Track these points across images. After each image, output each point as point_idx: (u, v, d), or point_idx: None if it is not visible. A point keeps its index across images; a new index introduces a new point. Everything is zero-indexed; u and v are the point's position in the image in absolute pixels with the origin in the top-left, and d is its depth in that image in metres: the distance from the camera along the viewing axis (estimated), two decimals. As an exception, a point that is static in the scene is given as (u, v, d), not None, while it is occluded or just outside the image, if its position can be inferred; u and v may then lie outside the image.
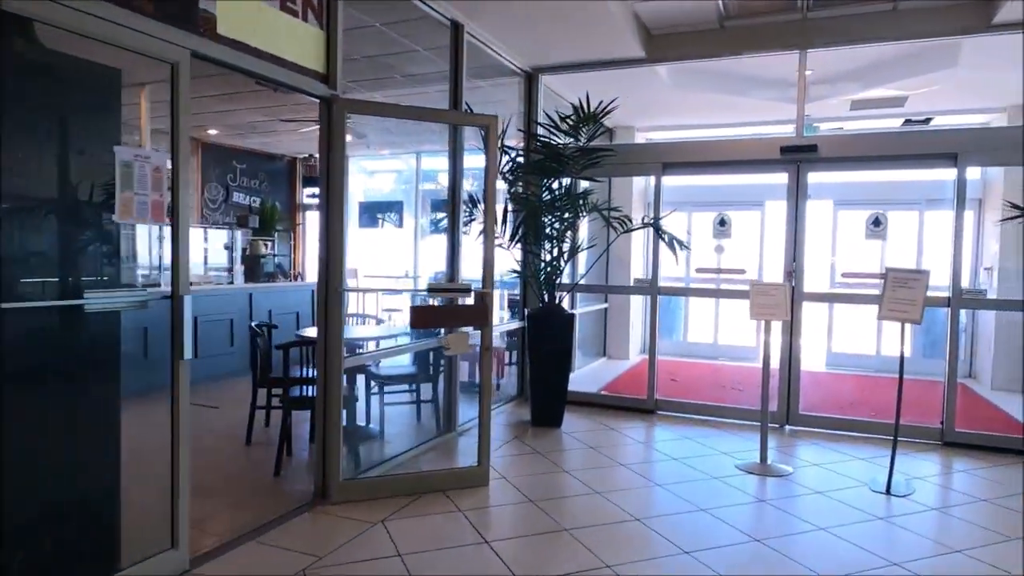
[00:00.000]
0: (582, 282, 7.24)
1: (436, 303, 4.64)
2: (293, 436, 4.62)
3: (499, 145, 5.31)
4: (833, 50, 5.71)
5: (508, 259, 5.76)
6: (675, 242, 5.12)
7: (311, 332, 4.46)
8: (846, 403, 6.59)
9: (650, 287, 6.03)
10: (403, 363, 5.62)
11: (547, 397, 5.50)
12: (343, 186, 3.71)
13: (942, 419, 5.24)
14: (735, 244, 8.66)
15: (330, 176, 3.72)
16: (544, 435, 5.30)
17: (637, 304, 9.17)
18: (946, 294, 5.21)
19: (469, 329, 3.97)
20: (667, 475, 4.41)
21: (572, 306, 7.90)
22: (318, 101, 3.73)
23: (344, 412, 3.83)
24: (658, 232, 5.14)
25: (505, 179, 5.50)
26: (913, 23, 5.21)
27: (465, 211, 5.00)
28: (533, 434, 5.33)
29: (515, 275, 5.63)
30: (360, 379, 5.12)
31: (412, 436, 5.19)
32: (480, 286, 4.00)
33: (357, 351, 4.71)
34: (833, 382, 7.82)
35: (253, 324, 4.89)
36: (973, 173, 5.13)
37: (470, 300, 3.92)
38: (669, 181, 6.67)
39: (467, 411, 5.32)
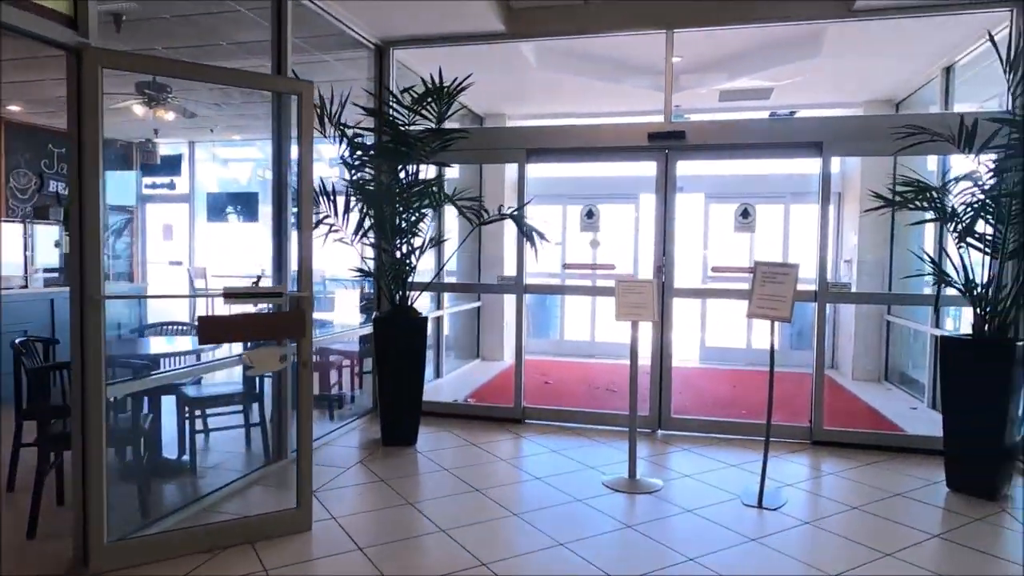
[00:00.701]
0: (441, 280, 6.63)
1: (252, 310, 3.86)
2: (67, 481, 3.68)
3: (334, 122, 4.58)
4: (701, 32, 5.42)
5: (356, 256, 5.03)
6: (535, 234, 4.60)
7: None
8: (719, 402, 6.40)
9: (515, 285, 5.51)
10: (230, 380, 4.77)
11: (398, 412, 4.83)
12: (99, 162, 2.86)
13: (811, 418, 5.07)
14: (611, 239, 8.37)
15: (82, 150, 2.85)
16: (394, 457, 4.64)
17: (512, 302, 8.69)
18: (813, 288, 5.05)
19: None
20: (527, 500, 3.88)
21: (439, 306, 7.27)
22: (65, 53, 2.86)
23: (139, 446, 2.98)
24: (517, 223, 4.61)
25: (348, 165, 4.77)
26: (777, 6, 4.99)
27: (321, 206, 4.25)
28: (383, 456, 4.66)
29: (360, 275, 4.91)
30: (171, 402, 4.24)
31: (233, 468, 4.36)
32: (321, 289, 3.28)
33: (152, 372, 3.83)
34: (706, 379, 7.69)
35: (17, 340, 3.88)
36: (836, 165, 5.02)
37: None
38: (538, 171, 6.20)
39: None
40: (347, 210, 4.72)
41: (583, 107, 7.98)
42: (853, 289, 6.75)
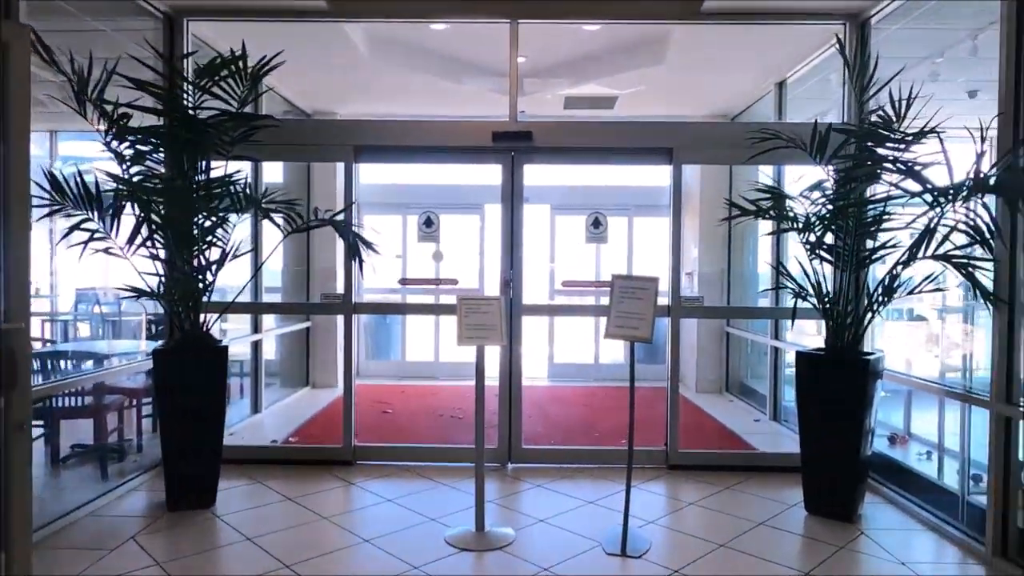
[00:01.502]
0: (258, 299, 5.67)
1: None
2: None
3: (92, 98, 3.56)
4: (546, 33, 5.03)
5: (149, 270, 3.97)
6: (361, 244, 3.85)
7: None
8: (572, 426, 5.99)
9: (342, 304, 4.71)
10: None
11: (191, 465, 3.84)
12: None
13: (666, 440, 4.77)
14: (455, 252, 7.78)
15: None
16: (182, 526, 3.65)
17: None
18: (666, 302, 4.76)
19: None
20: None
21: (257, 329, 6.24)
22: None
23: None
24: (339, 231, 3.84)
25: (118, 156, 3.73)
26: (625, 5, 4.67)
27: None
28: (167, 525, 3.65)
29: (135, 295, 3.86)
30: None
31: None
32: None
33: None
34: (557, 399, 7.31)
35: None
36: (685, 173, 4.81)
37: None
38: (375, 175, 5.44)
39: (63, 500, 3.48)
40: (116, 213, 3.69)
41: (424, 109, 7.34)
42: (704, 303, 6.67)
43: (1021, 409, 3.17)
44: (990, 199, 3.28)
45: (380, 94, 7.02)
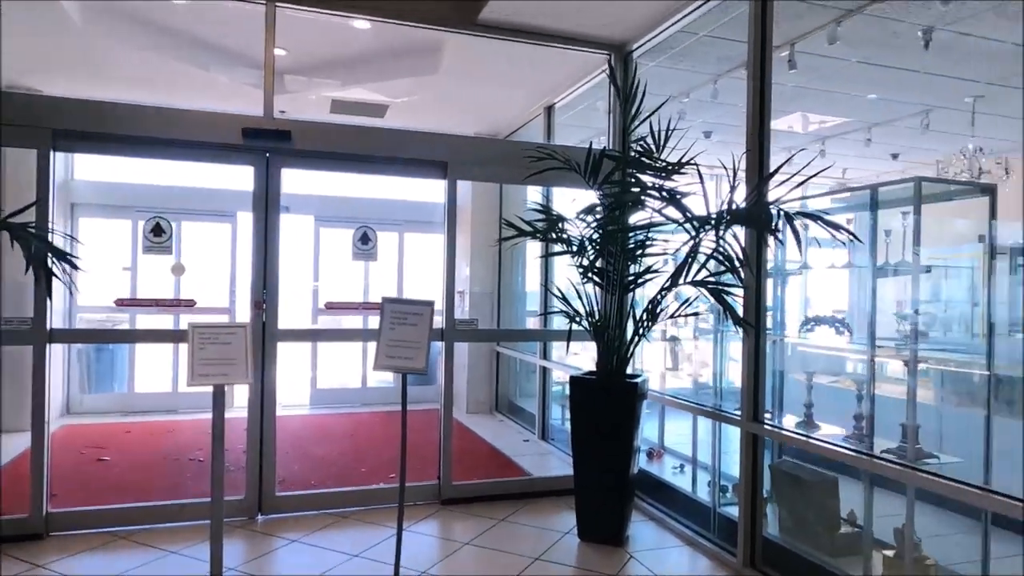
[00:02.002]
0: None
1: None
2: None
3: None
4: (310, 27, 4.50)
5: None
6: (51, 256, 2.93)
7: None
8: (336, 461, 5.40)
9: (32, 331, 3.66)
10: None
11: None
12: None
13: (439, 473, 4.46)
14: (202, 267, 6.73)
15: None
16: None
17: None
18: (439, 324, 4.48)
19: None
20: None
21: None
22: None
23: None
24: (17, 237, 2.88)
25: None
26: (397, 4, 4.34)
27: None
28: None
29: None
30: None
31: None
32: None
33: None
34: (318, 430, 6.64)
35: None
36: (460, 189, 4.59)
37: None
38: (93, 169, 4.39)
39: None
40: None
41: (160, 97, 6.26)
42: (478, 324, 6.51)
43: (766, 427, 3.40)
44: (740, 229, 3.51)
45: (107, 75, 5.83)
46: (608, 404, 3.79)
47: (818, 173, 3.29)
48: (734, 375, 3.85)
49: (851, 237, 3.05)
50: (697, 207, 3.58)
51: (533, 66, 5.24)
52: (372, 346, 3.21)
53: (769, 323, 3.65)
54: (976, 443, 3.25)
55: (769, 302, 3.71)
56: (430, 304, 3.14)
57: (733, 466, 3.84)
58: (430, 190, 5.45)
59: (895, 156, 7.88)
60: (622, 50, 4.76)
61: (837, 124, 6.71)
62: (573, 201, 4.13)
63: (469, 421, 7.09)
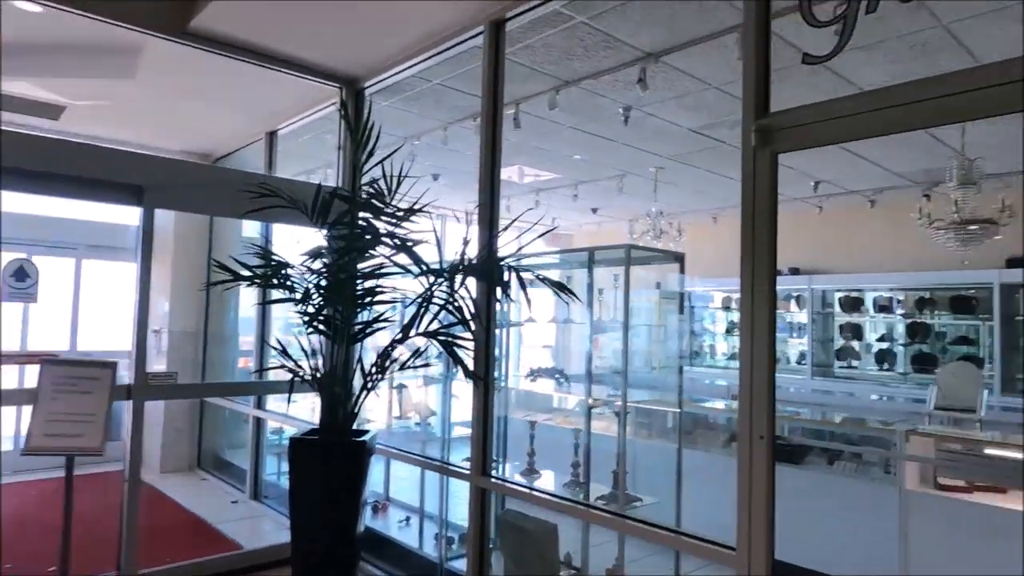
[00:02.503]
0: None
1: None
2: None
3: None
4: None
5: None
6: None
7: None
8: None
9: None
10: None
11: None
12: None
13: (118, 561, 3.65)
14: None
15: None
16: None
17: None
18: (127, 380, 3.71)
19: None
20: None
21: None
22: None
23: None
24: None
25: None
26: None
27: None
28: None
29: None
30: None
31: None
32: None
33: None
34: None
35: None
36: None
37: None
38: None
39: None
40: None
41: None
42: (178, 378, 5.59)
43: (494, 480, 3.42)
44: (472, 281, 3.51)
45: None
46: (334, 466, 3.47)
47: (545, 233, 3.45)
48: (461, 414, 3.84)
49: (572, 296, 3.24)
50: (430, 254, 3.51)
51: (255, 87, 4.76)
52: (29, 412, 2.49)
53: (497, 371, 3.72)
54: (668, 477, 3.67)
55: (497, 351, 3.79)
56: (111, 366, 2.54)
57: (461, 512, 3.80)
58: (120, 209, 4.59)
59: (595, 210, 8.91)
60: (355, 85, 4.57)
61: (550, 179, 7.34)
62: (298, 243, 3.77)
63: (165, 483, 6.09)
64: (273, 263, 3.44)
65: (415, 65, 4.15)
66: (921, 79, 2.10)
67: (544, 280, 3.16)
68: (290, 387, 3.61)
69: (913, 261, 7.35)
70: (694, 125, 5.32)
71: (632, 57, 4.06)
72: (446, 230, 9.31)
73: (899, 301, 7.72)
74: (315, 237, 3.70)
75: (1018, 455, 3.62)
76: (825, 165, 6.34)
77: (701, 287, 9.13)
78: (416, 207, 3.60)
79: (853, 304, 8.06)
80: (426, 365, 3.94)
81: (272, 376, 4.40)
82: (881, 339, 7.88)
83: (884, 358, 7.75)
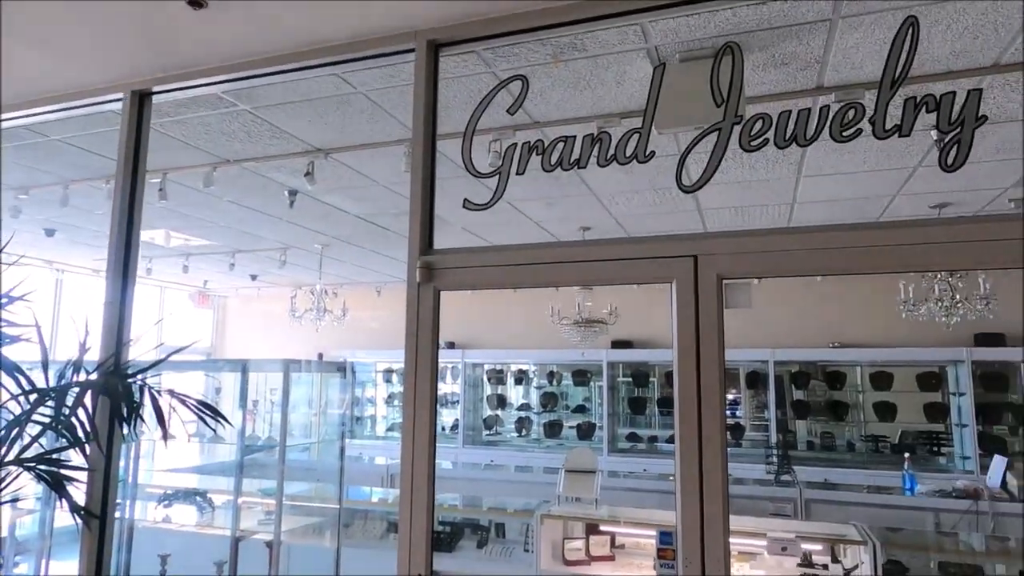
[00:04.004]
0: None
1: None
2: None
3: None
4: None
5: None
6: None
7: None
8: None
9: None
10: None
11: None
12: None
13: None
14: None
15: None
16: None
17: None
18: None
19: None
20: None
21: None
22: None
23: None
24: None
25: None
26: None
27: None
28: None
29: None
30: None
31: None
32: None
33: None
34: None
35: None
36: None
37: None
38: None
39: None
40: None
41: None
42: None
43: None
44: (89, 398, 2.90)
45: None
46: None
47: (182, 349, 3.04)
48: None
49: (222, 420, 2.89)
50: (30, 351, 2.82)
51: None
52: None
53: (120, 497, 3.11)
54: None
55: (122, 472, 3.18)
56: None
57: None
58: None
59: (254, 277, 8.34)
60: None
61: (203, 244, 6.65)
62: None
63: None
64: None
65: (29, 117, 3.39)
66: (554, 242, 2.42)
67: (187, 404, 2.75)
68: None
69: (547, 340, 8.42)
70: (360, 213, 5.36)
71: (301, 149, 3.93)
72: (62, 292, 7.73)
73: (535, 373, 8.76)
74: None
75: (619, 529, 4.33)
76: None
77: (365, 357, 9.12)
78: (16, 295, 2.87)
79: (499, 376, 8.90)
80: (14, 501, 3.10)
81: None
82: (520, 408, 8.81)
83: (523, 426, 8.66)
